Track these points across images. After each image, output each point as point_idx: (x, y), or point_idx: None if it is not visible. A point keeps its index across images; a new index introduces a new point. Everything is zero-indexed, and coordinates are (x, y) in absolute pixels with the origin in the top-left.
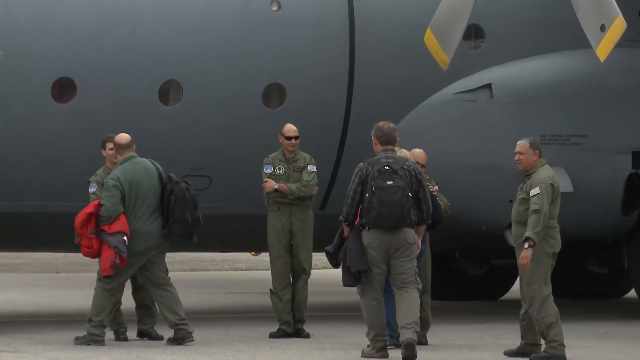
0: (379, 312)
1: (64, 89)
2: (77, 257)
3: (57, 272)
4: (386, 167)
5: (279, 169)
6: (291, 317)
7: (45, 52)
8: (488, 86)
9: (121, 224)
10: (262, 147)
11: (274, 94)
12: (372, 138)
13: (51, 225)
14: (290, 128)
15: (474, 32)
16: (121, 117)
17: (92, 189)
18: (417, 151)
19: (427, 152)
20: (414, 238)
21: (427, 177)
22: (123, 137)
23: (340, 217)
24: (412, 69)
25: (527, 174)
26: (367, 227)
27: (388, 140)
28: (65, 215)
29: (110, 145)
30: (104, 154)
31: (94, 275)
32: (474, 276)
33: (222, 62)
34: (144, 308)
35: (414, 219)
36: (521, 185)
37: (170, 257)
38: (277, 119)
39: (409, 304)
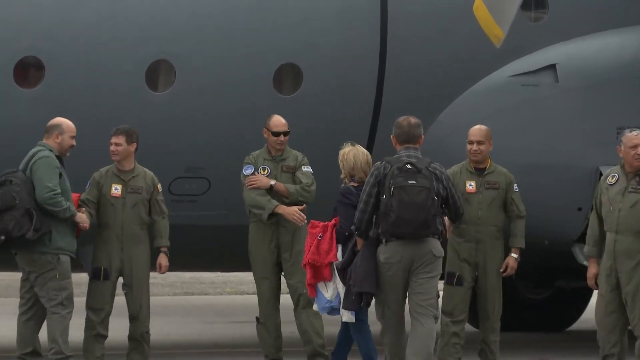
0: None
1: (28, 70)
2: None
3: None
4: (408, 165)
5: (263, 169)
6: (281, 353)
7: (5, 25)
8: (552, 67)
9: None
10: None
11: (287, 77)
12: (391, 137)
13: None
14: (278, 121)
15: (534, 1)
16: (99, 106)
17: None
18: (484, 127)
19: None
20: (441, 251)
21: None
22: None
23: (352, 227)
24: (458, 46)
25: None
26: (384, 239)
27: (407, 138)
28: None
29: (113, 139)
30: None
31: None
32: (534, 302)
33: (224, 38)
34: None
35: (440, 228)
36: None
37: (162, 279)
38: (291, 108)
39: (422, 340)
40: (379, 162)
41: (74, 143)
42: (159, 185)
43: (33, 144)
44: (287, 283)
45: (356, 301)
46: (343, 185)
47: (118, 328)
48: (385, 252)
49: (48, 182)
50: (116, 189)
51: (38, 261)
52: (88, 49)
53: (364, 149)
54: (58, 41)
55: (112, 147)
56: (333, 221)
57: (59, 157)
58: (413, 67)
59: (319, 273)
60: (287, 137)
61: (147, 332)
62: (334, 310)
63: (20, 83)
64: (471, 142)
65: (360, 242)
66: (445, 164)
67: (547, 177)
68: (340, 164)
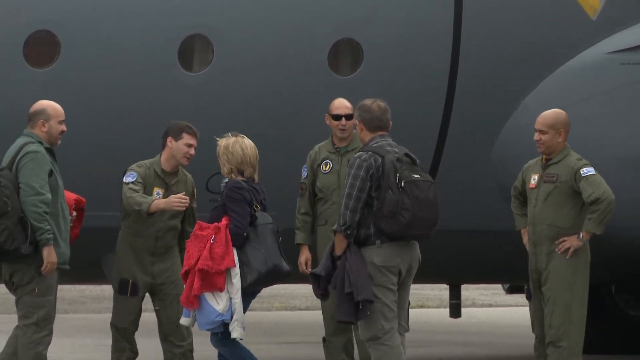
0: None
1: (41, 47)
2: (63, 291)
3: None
4: (405, 156)
5: (326, 164)
6: None
7: None
8: None
9: None
10: (328, 130)
11: (345, 54)
12: (357, 122)
13: None
14: (340, 103)
15: None
16: (123, 88)
17: (128, 178)
18: (553, 112)
19: (568, 137)
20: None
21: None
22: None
23: (335, 227)
24: (545, 18)
25: None
26: (377, 241)
27: (380, 124)
28: None
29: (189, 139)
30: (169, 144)
31: (85, 318)
32: (637, 319)
33: (269, 9)
34: None
35: None
36: None
37: None
38: (349, 90)
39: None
40: (362, 153)
41: (64, 128)
42: (195, 190)
43: None
44: None
45: (353, 310)
46: (228, 179)
47: (144, 349)
48: (381, 254)
49: (34, 183)
50: (158, 194)
51: (19, 271)
52: (110, 23)
53: (250, 140)
54: (74, 13)
55: (189, 150)
56: (223, 221)
57: (50, 150)
58: (492, 42)
59: (211, 282)
60: (351, 122)
61: (191, 352)
62: (220, 326)
63: (31, 62)
64: (534, 131)
65: (342, 244)
66: (530, 155)
67: None
68: (223, 157)
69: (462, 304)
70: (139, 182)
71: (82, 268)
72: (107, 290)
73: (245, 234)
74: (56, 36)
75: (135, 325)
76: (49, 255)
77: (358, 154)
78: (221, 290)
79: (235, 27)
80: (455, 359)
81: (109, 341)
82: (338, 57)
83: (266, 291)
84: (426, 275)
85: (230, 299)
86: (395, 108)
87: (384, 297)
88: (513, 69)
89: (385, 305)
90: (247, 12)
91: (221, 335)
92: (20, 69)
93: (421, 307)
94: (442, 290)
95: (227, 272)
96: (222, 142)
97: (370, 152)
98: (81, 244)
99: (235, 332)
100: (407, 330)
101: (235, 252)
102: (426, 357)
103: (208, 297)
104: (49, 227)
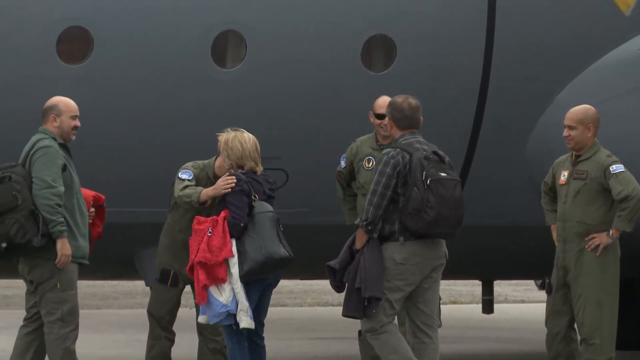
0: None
1: (74, 43)
2: (95, 286)
3: None
4: (433, 154)
5: (369, 160)
6: None
7: None
8: None
9: None
10: (361, 126)
11: (378, 50)
12: (388, 119)
13: None
14: (383, 101)
15: None
16: (156, 84)
17: (184, 175)
18: (582, 108)
19: (600, 135)
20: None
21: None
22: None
23: (357, 222)
24: (579, 14)
25: None
26: (401, 238)
27: (411, 123)
28: None
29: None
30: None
31: (118, 314)
32: None
33: (302, 5)
34: None
35: None
36: None
37: None
38: (382, 87)
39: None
40: (391, 150)
41: (77, 124)
42: None
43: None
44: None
45: (361, 306)
46: (229, 173)
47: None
48: (402, 252)
49: (46, 176)
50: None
51: (38, 267)
52: (142, 19)
53: (249, 134)
54: (107, 9)
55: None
56: (222, 213)
57: (64, 146)
58: (526, 38)
59: (213, 274)
60: None
61: (225, 348)
62: (227, 318)
63: (64, 58)
64: (564, 126)
65: (362, 239)
66: (563, 151)
67: None
68: (223, 153)
69: (494, 300)
70: (191, 181)
71: (115, 263)
72: (140, 285)
73: (242, 225)
74: (89, 32)
75: (172, 315)
76: (63, 247)
77: (386, 150)
78: (224, 281)
79: (268, 23)
80: (488, 354)
81: (141, 336)
82: (371, 53)
83: (299, 287)
84: (459, 272)
85: (234, 289)
86: (428, 104)
87: (391, 294)
88: (547, 64)
89: (389, 302)
90: (279, 7)
91: (235, 328)
92: (53, 65)
93: (454, 303)
94: (474, 287)
95: (227, 262)
96: (222, 137)
97: (398, 149)
98: (114, 239)
99: (243, 322)
100: (440, 325)
101: (234, 243)
102: (459, 353)
103: (212, 289)
104: (62, 219)
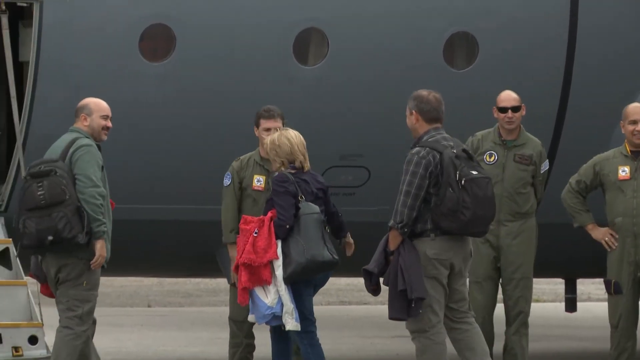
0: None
1: (157, 41)
2: (178, 284)
3: (149, 306)
4: (463, 152)
5: (490, 155)
6: None
7: None
8: None
9: None
10: (444, 124)
11: (460, 47)
12: (413, 112)
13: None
14: (506, 95)
15: None
16: (239, 82)
17: (226, 181)
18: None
19: None
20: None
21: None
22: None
23: (391, 223)
24: None
25: None
26: (432, 234)
27: (437, 116)
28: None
29: (266, 123)
30: (255, 133)
31: (201, 311)
32: None
33: (384, 3)
34: None
35: None
36: None
37: None
38: (464, 84)
39: (481, 340)
40: (419, 149)
41: (109, 124)
42: None
43: (161, 124)
44: (504, 293)
45: (405, 308)
46: (277, 173)
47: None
48: (434, 247)
49: (92, 175)
50: (259, 181)
51: (69, 265)
52: (224, 16)
53: (294, 131)
54: (190, 7)
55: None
56: (269, 214)
57: (98, 147)
58: (609, 36)
59: (257, 275)
60: (518, 115)
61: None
62: (274, 319)
63: (147, 55)
64: (632, 122)
65: (396, 240)
66: None
67: None
68: (272, 152)
69: (577, 299)
70: (231, 184)
71: (197, 261)
72: (222, 283)
73: (287, 226)
74: (171, 30)
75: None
76: (102, 248)
77: (415, 149)
78: (268, 283)
79: (350, 20)
80: (571, 353)
81: (224, 334)
82: (453, 50)
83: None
84: (542, 270)
85: (279, 291)
86: None
87: (434, 290)
88: (629, 63)
89: (435, 299)
90: (361, 5)
91: (305, 336)
92: (135, 62)
93: (537, 301)
94: (557, 285)
95: (271, 264)
96: (267, 139)
97: (427, 148)
98: (196, 237)
99: (288, 325)
100: (474, 316)
101: (279, 244)
102: (542, 351)
103: (258, 291)
104: (105, 220)
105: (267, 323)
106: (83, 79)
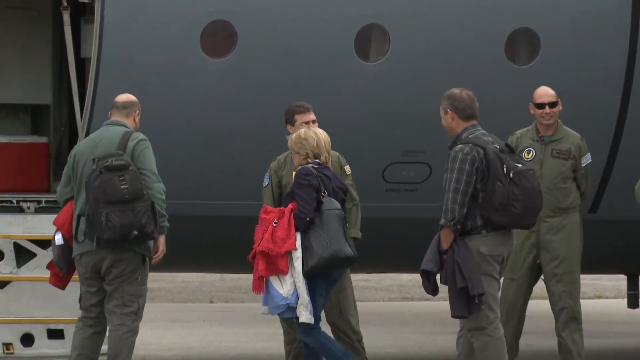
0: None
1: (218, 37)
2: (240, 280)
3: (211, 302)
4: (506, 146)
5: (529, 151)
6: None
7: None
8: None
9: (61, 217)
10: (505, 120)
11: (522, 43)
12: (448, 111)
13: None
14: (543, 91)
15: None
16: (300, 78)
17: (265, 182)
18: None
19: None
20: None
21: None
22: (120, 96)
23: (442, 222)
24: None
25: None
26: (484, 231)
27: (473, 113)
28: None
29: (303, 117)
30: (290, 131)
31: (259, 307)
32: None
33: None
34: None
35: None
36: None
37: (375, 282)
38: (525, 80)
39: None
40: (463, 146)
41: None
42: (347, 167)
43: (222, 121)
44: (547, 290)
45: (466, 305)
46: (300, 166)
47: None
48: (487, 243)
49: (155, 170)
50: None
51: (125, 260)
52: (286, 12)
53: (319, 129)
54: (251, 2)
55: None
56: (290, 206)
57: None
58: None
59: (274, 265)
60: (555, 110)
61: (360, 341)
62: (288, 310)
63: (208, 51)
64: None
65: (449, 238)
66: None
67: None
68: (297, 146)
69: None
70: (269, 184)
71: None
72: None
73: (308, 219)
74: (233, 26)
75: None
76: (164, 243)
77: (459, 146)
78: (284, 273)
79: (411, 16)
80: (634, 350)
81: None
82: (515, 46)
83: None
84: (604, 266)
85: (295, 283)
86: (572, 99)
87: (490, 287)
88: None
89: (491, 295)
90: (422, 1)
91: (314, 331)
92: (197, 58)
93: (599, 297)
94: (620, 281)
95: (289, 255)
96: (292, 136)
97: (470, 145)
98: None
99: (302, 317)
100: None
101: (299, 236)
102: (604, 347)
103: (274, 281)
104: (167, 215)
105: (280, 315)
106: (144, 75)
